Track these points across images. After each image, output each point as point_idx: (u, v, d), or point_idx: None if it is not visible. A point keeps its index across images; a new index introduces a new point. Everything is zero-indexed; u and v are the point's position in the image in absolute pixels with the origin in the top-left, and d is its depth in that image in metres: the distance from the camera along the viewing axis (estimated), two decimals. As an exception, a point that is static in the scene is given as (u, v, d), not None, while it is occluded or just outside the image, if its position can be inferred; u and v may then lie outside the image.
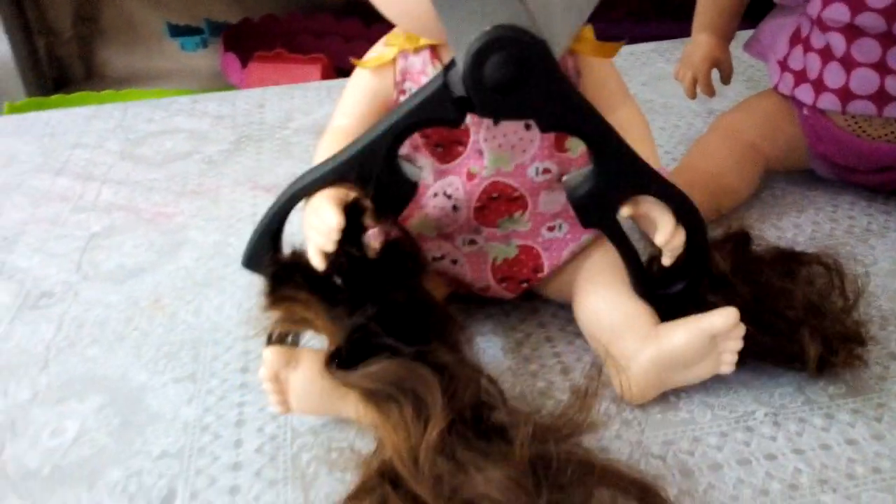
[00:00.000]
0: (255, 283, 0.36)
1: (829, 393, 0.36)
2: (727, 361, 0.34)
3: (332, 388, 0.33)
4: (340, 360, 0.32)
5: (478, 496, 0.27)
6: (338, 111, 0.38)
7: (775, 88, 0.51)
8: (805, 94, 0.49)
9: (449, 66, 0.31)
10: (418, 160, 0.37)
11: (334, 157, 0.34)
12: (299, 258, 0.35)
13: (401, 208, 0.35)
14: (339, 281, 0.34)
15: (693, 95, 0.55)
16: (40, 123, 0.72)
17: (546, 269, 0.39)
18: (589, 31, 0.36)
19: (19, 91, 1.15)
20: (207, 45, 1.18)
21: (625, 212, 0.34)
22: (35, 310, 0.46)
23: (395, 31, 0.37)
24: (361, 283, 0.34)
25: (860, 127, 0.47)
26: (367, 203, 0.33)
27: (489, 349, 0.40)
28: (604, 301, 0.37)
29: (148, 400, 0.38)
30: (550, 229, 0.39)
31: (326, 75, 0.99)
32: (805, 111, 0.50)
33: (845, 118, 0.48)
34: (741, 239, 0.39)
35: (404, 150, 0.37)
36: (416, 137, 0.37)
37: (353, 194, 0.33)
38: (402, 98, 0.36)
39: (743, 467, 0.33)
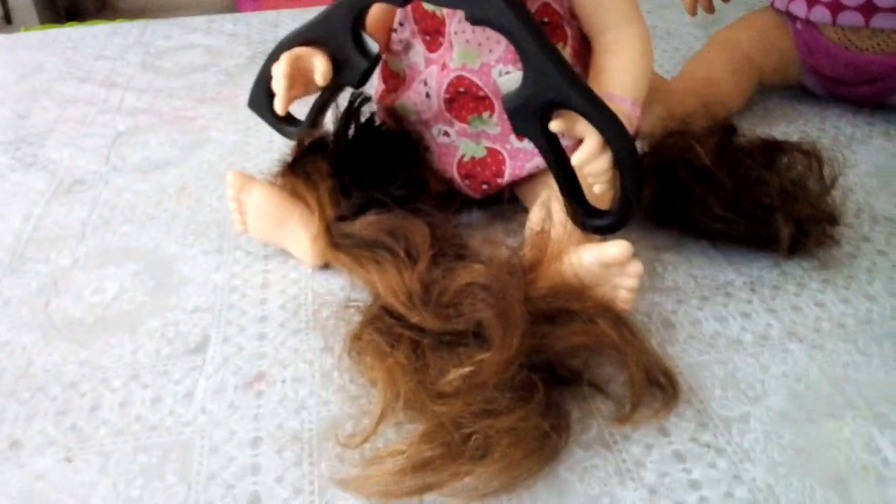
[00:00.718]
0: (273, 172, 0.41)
1: (803, 266, 0.39)
2: (622, 298, 0.35)
3: (279, 220, 0.39)
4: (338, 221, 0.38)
5: (466, 286, 0.31)
6: None
7: (772, 5, 0.54)
8: (798, 7, 0.51)
9: None
10: (414, 47, 0.40)
11: (307, 22, 0.38)
12: (321, 140, 0.40)
13: (360, 79, 0.38)
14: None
15: (693, 12, 0.58)
16: (62, 38, 0.75)
17: (506, 177, 0.40)
18: None
19: (34, 23, 1.17)
20: (219, -23, 1.19)
21: (555, 125, 0.34)
22: (69, 194, 0.49)
23: None
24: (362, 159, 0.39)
25: (849, 39, 0.50)
26: (321, 63, 0.37)
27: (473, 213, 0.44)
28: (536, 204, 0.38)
29: (180, 267, 0.42)
30: (520, 139, 0.40)
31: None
32: (798, 25, 0.52)
33: (835, 30, 0.50)
34: (726, 130, 0.42)
35: (405, 34, 0.40)
36: (412, 25, 0.39)
37: (315, 55, 0.37)
38: None
39: (720, 322, 0.36)
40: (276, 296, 0.39)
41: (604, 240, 0.35)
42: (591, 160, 0.33)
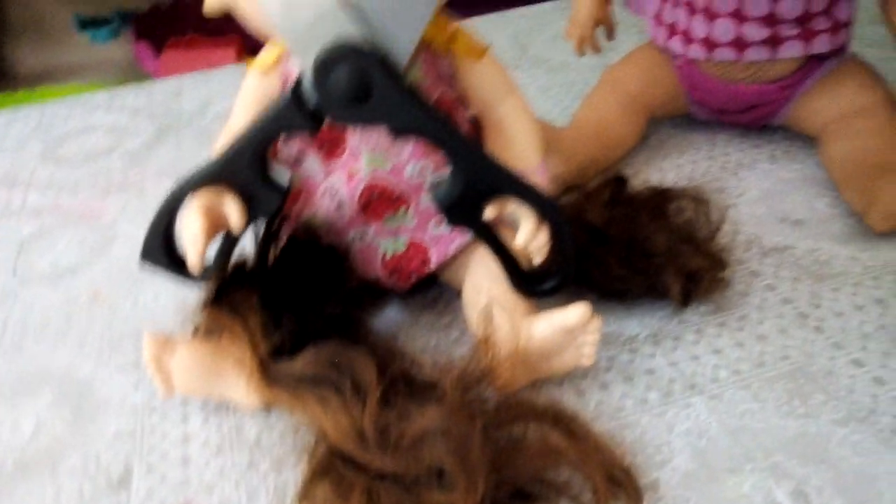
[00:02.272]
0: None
1: (700, 312, 0.42)
2: (587, 353, 0.36)
3: (210, 372, 0.37)
4: (275, 356, 0.36)
5: (423, 432, 0.31)
6: (235, 109, 0.40)
7: (652, 41, 0.56)
8: (677, 45, 0.53)
9: (300, 80, 0.33)
10: (308, 157, 0.40)
11: (212, 160, 0.36)
12: (241, 268, 0.39)
13: (273, 212, 0.37)
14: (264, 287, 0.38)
15: (582, 53, 0.60)
16: (-44, 133, 0.73)
17: (433, 263, 0.41)
18: (462, 32, 0.37)
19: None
20: (119, 35, 1.17)
21: (489, 213, 0.35)
22: (-23, 317, 0.48)
23: None
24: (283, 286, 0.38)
25: (726, 72, 0.52)
26: (234, 211, 0.36)
27: (404, 310, 0.44)
28: (481, 294, 0.39)
29: (97, 388, 0.41)
30: (438, 224, 0.41)
31: (242, 57, 1.01)
32: (678, 61, 0.54)
33: (712, 64, 0.53)
34: (617, 184, 0.44)
35: (296, 147, 0.39)
36: (302, 138, 0.39)
37: (225, 201, 0.36)
38: None
39: (627, 383, 0.38)
40: (196, 411, 0.39)
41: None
42: (532, 238, 0.35)
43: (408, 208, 0.40)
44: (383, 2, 0.31)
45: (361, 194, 0.39)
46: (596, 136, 0.53)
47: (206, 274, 0.38)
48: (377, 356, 0.35)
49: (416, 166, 0.39)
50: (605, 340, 0.40)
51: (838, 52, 0.52)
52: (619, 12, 0.60)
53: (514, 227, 0.36)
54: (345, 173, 0.39)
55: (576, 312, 0.35)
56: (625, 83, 0.56)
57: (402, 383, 0.35)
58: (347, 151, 0.39)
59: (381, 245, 0.41)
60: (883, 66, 0.54)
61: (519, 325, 0.36)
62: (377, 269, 0.42)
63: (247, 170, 0.35)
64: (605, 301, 0.42)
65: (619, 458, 0.33)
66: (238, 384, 0.37)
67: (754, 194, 0.51)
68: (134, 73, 1.13)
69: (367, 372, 0.34)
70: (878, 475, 0.32)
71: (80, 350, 0.44)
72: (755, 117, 0.55)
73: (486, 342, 0.36)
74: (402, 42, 0.32)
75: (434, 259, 0.41)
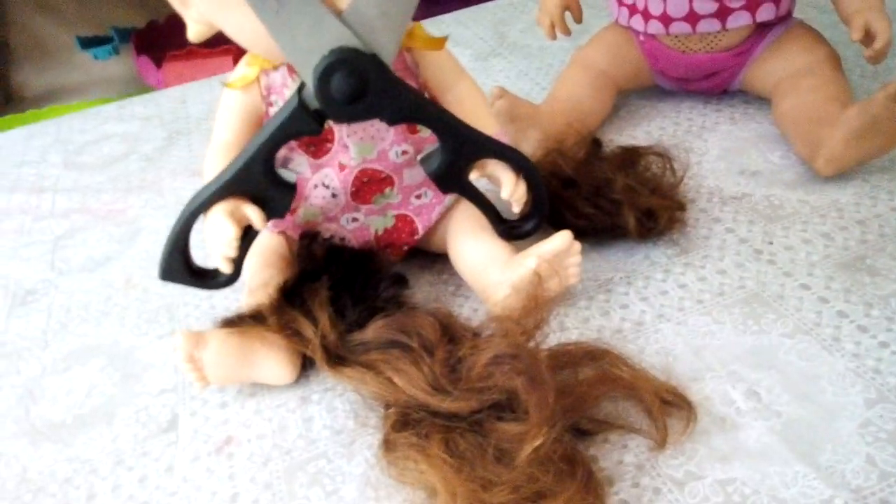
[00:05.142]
0: (209, 255, 0.46)
1: (668, 254, 0.47)
2: (572, 274, 0.42)
3: (240, 359, 0.40)
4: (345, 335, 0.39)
5: (493, 358, 0.34)
6: (217, 127, 0.43)
7: (616, 21, 0.61)
8: (637, 22, 0.59)
9: (301, 87, 0.37)
10: (295, 159, 0.44)
11: (222, 174, 0.39)
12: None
13: (287, 208, 0.41)
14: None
15: (553, 37, 0.65)
16: (-19, 149, 0.78)
17: (420, 231, 0.47)
18: (419, 28, 0.43)
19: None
20: (119, 52, 1.23)
21: (473, 175, 0.41)
22: (24, 306, 0.53)
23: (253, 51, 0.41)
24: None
25: (683, 44, 0.58)
26: (255, 212, 0.39)
27: (407, 273, 0.50)
28: (468, 246, 0.45)
29: (139, 355, 0.47)
30: (418, 197, 0.46)
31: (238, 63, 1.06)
32: (640, 37, 0.60)
33: (670, 38, 0.58)
34: (593, 143, 0.50)
35: (282, 152, 0.42)
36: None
37: (243, 206, 0.39)
38: (272, 109, 0.42)
39: (604, 317, 0.43)
40: (229, 365, 0.45)
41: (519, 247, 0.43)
42: (514, 189, 0.42)
43: (393, 187, 0.45)
44: (370, 8, 0.36)
45: (353, 182, 0.44)
46: (568, 110, 0.58)
47: (225, 278, 0.41)
48: (438, 319, 0.39)
49: (398, 149, 0.44)
50: (584, 284, 0.46)
51: (784, 19, 0.57)
52: (586, -3, 0.66)
53: (496, 183, 0.42)
54: (335, 166, 0.44)
55: (561, 237, 0.41)
56: (594, 61, 0.62)
57: (463, 333, 0.38)
58: (335, 147, 0.43)
59: (372, 223, 0.46)
60: (830, 30, 0.59)
61: (509, 264, 0.42)
62: (372, 246, 0.47)
63: (260, 176, 0.39)
64: (586, 254, 0.48)
65: (665, 382, 0.36)
66: (267, 365, 0.41)
67: (716, 153, 0.56)
68: (137, 87, 1.18)
69: (432, 330, 0.38)
70: (821, 374, 0.38)
71: (121, 326, 0.50)
72: (714, 84, 0.61)
73: (535, 299, 0.40)
74: (387, 43, 0.37)
75: (420, 227, 0.47)
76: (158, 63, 1.10)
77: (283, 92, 0.42)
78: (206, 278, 0.42)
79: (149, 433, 0.41)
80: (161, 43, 1.15)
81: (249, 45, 0.39)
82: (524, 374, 0.34)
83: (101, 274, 0.55)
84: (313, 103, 0.37)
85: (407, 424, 0.35)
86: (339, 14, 0.36)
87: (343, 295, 0.41)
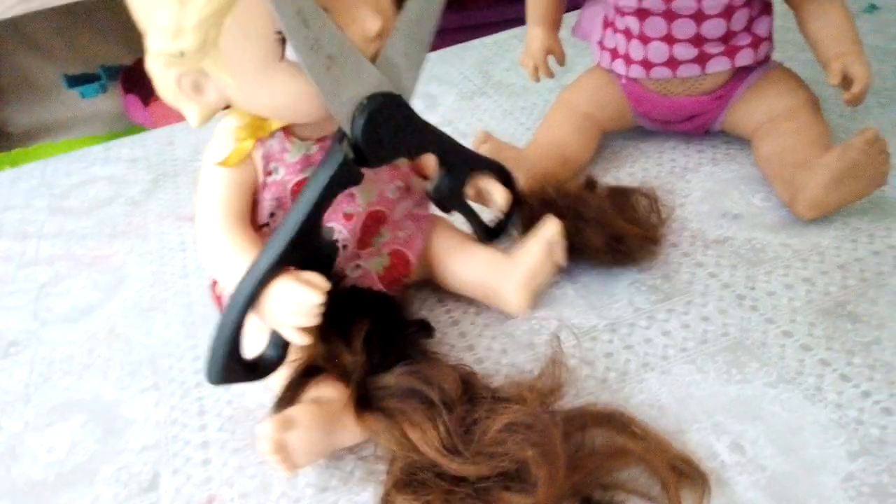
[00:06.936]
0: (194, 302, 0.45)
1: (651, 300, 0.47)
2: (560, 256, 0.46)
3: (329, 430, 0.37)
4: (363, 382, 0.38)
5: (508, 424, 0.34)
6: (210, 205, 0.40)
7: (599, 65, 0.62)
8: (619, 67, 0.59)
9: (341, 138, 0.38)
10: None
11: (269, 246, 0.37)
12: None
13: (331, 266, 0.39)
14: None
15: (537, 79, 0.66)
16: (-34, 194, 0.78)
17: (413, 262, 0.47)
18: None
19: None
20: (107, 90, 1.23)
21: (471, 193, 0.44)
22: (6, 358, 0.53)
23: (233, 124, 0.40)
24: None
25: (664, 87, 0.59)
26: (317, 277, 0.37)
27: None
28: (461, 261, 0.47)
29: (121, 410, 0.46)
30: (402, 230, 0.47)
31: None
32: (623, 80, 0.61)
33: (652, 82, 0.59)
34: (588, 183, 0.53)
35: (279, 215, 0.42)
36: (287, 198, 0.42)
37: (300, 273, 0.37)
38: (270, 178, 0.41)
39: (589, 366, 0.43)
40: (213, 419, 0.44)
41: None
42: (506, 198, 0.47)
43: (386, 224, 0.46)
44: (397, 51, 0.38)
45: (360, 228, 0.44)
46: (553, 153, 0.59)
47: (275, 362, 0.39)
48: (460, 374, 0.38)
49: (393, 186, 0.45)
50: (569, 333, 0.46)
51: (763, 62, 0.58)
52: (570, 38, 0.66)
53: (486, 196, 0.48)
54: (339, 219, 0.43)
55: (551, 226, 0.45)
56: (577, 103, 0.62)
57: (483, 392, 0.37)
58: (340, 198, 0.41)
59: (372, 266, 0.46)
60: (809, 69, 0.60)
61: (510, 264, 0.46)
62: (377, 288, 0.46)
63: (310, 239, 0.38)
64: (567, 297, 0.48)
65: (679, 451, 0.36)
66: (347, 429, 0.38)
67: (699, 195, 0.57)
68: (124, 124, 1.18)
69: (455, 386, 0.37)
70: (805, 426, 0.38)
71: (103, 379, 0.49)
72: (696, 125, 0.61)
73: (554, 363, 0.40)
74: (409, 81, 0.39)
75: (413, 257, 0.47)
76: (146, 101, 1.10)
77: (283, 157, 0.41)
78: (258, 369, 0.39)
79: (129, 493, 0.41)
80: (149, 81, 1.15)
81: (286, 109, 0.38)
82: (537, 447, 0.33)
83: (84, 324, 0.55)
84: (349, 153, 0.38)
85: (409, 485, 0.34)
86: (374, 61, 0.38)
87: (373, 336, 0.40)
